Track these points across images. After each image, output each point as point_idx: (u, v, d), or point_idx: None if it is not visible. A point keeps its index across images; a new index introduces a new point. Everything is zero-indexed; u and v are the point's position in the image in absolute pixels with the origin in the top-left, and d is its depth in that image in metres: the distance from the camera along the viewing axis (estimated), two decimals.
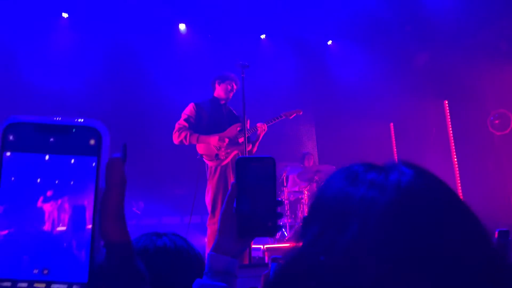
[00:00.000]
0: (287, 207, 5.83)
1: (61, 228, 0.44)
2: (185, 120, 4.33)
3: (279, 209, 0.95)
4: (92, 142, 0.44)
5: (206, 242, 4.34)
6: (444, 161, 7.24)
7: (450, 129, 7.29)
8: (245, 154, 3.88)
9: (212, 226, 4.10)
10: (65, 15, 6.87)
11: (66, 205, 0.44)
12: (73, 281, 0.42)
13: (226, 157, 4.24)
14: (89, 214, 0.44)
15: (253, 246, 4.43)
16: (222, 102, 4.47)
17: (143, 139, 6.59)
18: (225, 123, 4.36)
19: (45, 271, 0.42)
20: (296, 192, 6.04)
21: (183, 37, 7.66)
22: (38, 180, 0.43)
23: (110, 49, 6.82)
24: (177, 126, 4.33)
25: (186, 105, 4.44)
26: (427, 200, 0.53)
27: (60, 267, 0.43)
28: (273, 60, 8.00)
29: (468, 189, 6.81)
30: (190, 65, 7.34)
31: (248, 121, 4.45)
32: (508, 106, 6.18)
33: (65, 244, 0.43)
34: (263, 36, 8.16)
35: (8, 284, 0.42)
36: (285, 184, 6.02)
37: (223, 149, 4.25)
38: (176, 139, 4.30)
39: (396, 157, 8.01)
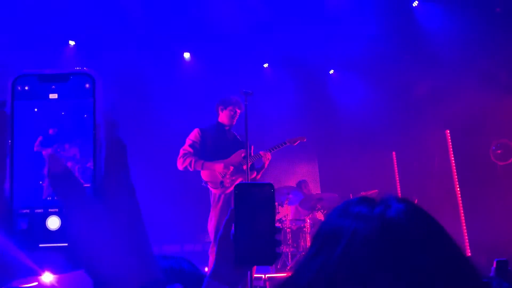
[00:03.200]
0: (289, 236, 5.78)
1: (69, 162, 0.50)
2: (190, 145, 4.33)
3: (277, 237, 0.93)
4: (87, 86, 0.51)
5: (207, 271, 4.28)
6: (447, 190, 7.21)
7: (453, 158, 7.29)
8: (249, 181, 3.88)
9: (214, 254, 4.06)
10: (72, 43, 7.01)
11: (67, 145, 0.50)
12: None
13: (231, 185, 4.22)
14: (88, 150, 0.50)
15: (254, 275, 4.37)
16: (227, 127, 4.49)
17: (148, 165, 6.60)
18: (229, 149, 4.36)
19: (56, 197, 0.49)
20: (298, 221, 6.00)
21: (188, 65, 7.78)
22: (44, 123, 0.50)
23: (116, 76, 6.91)
24: (181, 152, 4.31)
25: (191, 130, 4.46)
26: (409, 231, 0.59)
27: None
28: (276, 88, 8.10)
29: (472, 220, 6.76)
30: (194, 91, 7.43)
31: (252, 147, 4.47)
32: (510, 136, 6.19)
33: (71, 168, 0.49)
34: (266, 65, 8.28)
35: (27, 211, 0.49)
36: (278, 210, 5.97)
37: (228, 176, 4.24)
38: (180, 165, 4.28)
39: (398, 186, 8.00)
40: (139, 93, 7.23)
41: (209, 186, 4.31)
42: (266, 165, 4.37)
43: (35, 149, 0.49)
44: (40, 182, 0.49)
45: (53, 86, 0.51)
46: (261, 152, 4.36)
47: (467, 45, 6.35)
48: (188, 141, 4.36)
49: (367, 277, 0.55)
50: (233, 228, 0.93)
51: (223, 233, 0.96)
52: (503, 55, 6.22)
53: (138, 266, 0.49)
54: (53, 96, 0.51)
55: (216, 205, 4.24)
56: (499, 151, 6.22)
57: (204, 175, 4.29)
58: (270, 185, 0.94)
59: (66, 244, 0.48)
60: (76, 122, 0.50)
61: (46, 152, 0.49)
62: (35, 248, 0.47)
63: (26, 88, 0.50)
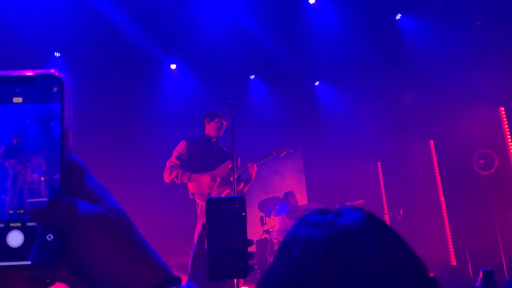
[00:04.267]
0: (276, 247, 5.77)
1: (34, 174, 0.46)
2: (177, 158, 4.32)
3: (250, 249, 0.94)
4: (55, 89, 0.47)
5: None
6: (432, 200, 7.29)
7: (437, 168, 7.39)
8: (235, 193, 3.88)
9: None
10: (57, 54, 6.96)
11: (32, 155, 0.46)
12: None
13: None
14: (55, 161, 0.46)
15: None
16: (214, 139, 4.49)
17: (134, 177, 6.56)
18: (216, 161, 4.37)
19: (20, 211, 0.45)
20: (285, 231, 5.99)
21: (174, 77, 7.78)
22: (7, 131, 0.46)
23: (101, 88, 6.89)
24: (168, 164, 4.30)
25: (178, 142, 4.45)
26: (359, 236, 0.62)
27: (34, 204, 0.45)
28: (262, 99, 8.13)
29: (456, 229, 6.84)
30: (181, 104, 7.43)
31: (239, 159, 4.48)
32: (492, 146, 6.30)
33: (38, 188, 0.46)
34: (252, 77, 8.33)
35: None
36: (264, 222, 5.97)
37: (215, 188, 4.24)
38: (167, 178, 4.27)
39: (384, 196, 8.07)
40: (125, 106, 7.20)
41: (196, 198, 4.30)
42: (253, 177, 4.39)
43: None
44: (3, 196, 0.45)
45: (18, 89, 0.46)
46: (248, 164, 4.37)
47: (450, 57, 6.47)
48: (175, 153, 4.36)
49: (321, 280, 0.58)
50: (206, 242, 0.94)
51: (196, 248, 0.97)
52: (485, 66, 6.36)
53: (139, 272, 0.48)
54: (17, 100, 0.46)
55: (203, 217, 4.22)
56: (481, 161, 6.31)
57: (191, 187, 4.28)
58: (241, 199, 0.96)
59: (29, 263, 0.43)
60: (42, 130, 0.46)
61: (9, 163, 0.46)
62: None
63: None
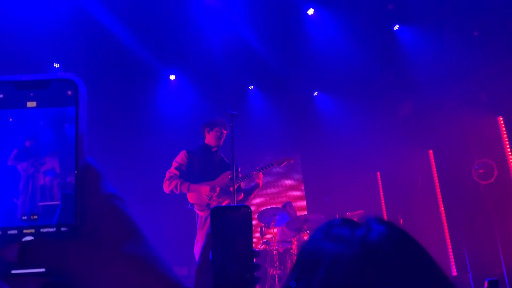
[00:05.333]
0: (276, 258, 5.74)
1: (47, 177, 0.45)
2: (176, 168, 4.31)
3: (256, 260, 0.92)
4: (69, 93, 0.47)
5: None
6: (431, 209, 7.28)
7: (436, 178, 7.38)
8: (235, 203, 3.87)
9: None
10: (56, 65, 6.98)
11: (45, 157, 0.46)
12: (61, 222, 0.44)
13: None
14: (69, 163, 0.46)
15: None
16: (214, 149, 4.49)
17: (134, 187, 6.54)
18: (216, 171, 4.36)
19: (34, 217, 0.44)
20: (285, 242, 5.96)
21: (173, 87, 7.80)
22: (20, 134, 0.45)
23: (101, 99, 6.90)
24: (168, 174, 4.29)
25: (178, 152, 4.45)
26: (391, 256, 0.58)
27: (48, 213, 0.44)
28: (261, 109, 8.15)
29: (456, 239, 6.81)
30: (181, 114, 7.45)
31: (240, 168, 4.47)
32: (491, 156, 6.31)
33: (51, 191, 0.45)
34: (251, 87, 8.35)
35: None
36: (264, 232, 5.95)
37: (214, 198, 4.22)
38: (166, 188, 4.25)
39: (383, 206, 8.05)
40: (124, 116, 7.21)
41: (195, 209, 4.28)
42: (261, 184, 4.39)
43: (8, 163, 0.45)
44: (15, 200, 0.44)
45: (32, 94, 0.46)
46: (253, 173, 4.36)
47: (448, 67, 6.51)
48: (175, 164, 4.35)
49: None
50: (210, 253, 0.91)
51: (201, 258, 0.95)
52: (483, 76, 6.39)
53: (151, 284, 0.47)
54: (31, 104, 0.46)
55: (203, 228, 4.21)
56: (481, 171, 6.31)
57: (191, 197, 4.26)
58: (247, 207, 0.93)
59: (44, 270, 0.42)
60: (56, 132, 0.46)
61: (21, 166, 0.45)
62: (7, 274, 0.42)
63: (1, 96, 0.46)
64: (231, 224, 0.91)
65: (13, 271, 0.42)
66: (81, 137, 0.46)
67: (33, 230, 0.44)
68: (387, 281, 0.55)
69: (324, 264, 0.58)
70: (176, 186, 4.20)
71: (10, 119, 0.46)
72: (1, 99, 0.46)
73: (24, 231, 0.44)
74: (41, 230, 0.44)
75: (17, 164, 0.45)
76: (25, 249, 0.42)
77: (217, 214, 0.92)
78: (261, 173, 4.36)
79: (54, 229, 0.44)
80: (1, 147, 0.45)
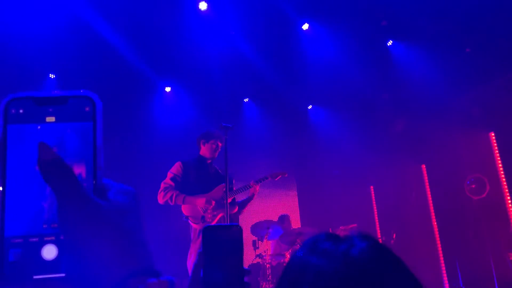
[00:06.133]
0: (269, 272, 5.71)
1: None
2: (171, 179, 4.29)
3: (246, 279, 0.92)
4: (87, 109, 0.49)
5: None
6: (424, 224, 7.30)
7: (429, 192, 7.42)
8: (228, 216, 3.87)
9: None
10: (52, 76, 6.99)
11: (74, 164, 0.47)
12: None
13: (213, 219, 4.20)
14: (88, 176, 0.48)
15: None
16: (209, 161, 4.50)
17: None
18: (211, 183, 4.35)
19: (54, 225, 0.46)
20: (278, 256, 5.94)
21: (169, 99, 7.83)
22: (48, 140, 0.47)
23: None
24: (162, 185, 4.28)
25: (172, 164, 4.45)
26: (370, 272, 0.60)
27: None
28: (256, 122, 8.18)
29: (449, 253, 6.83)
30: (176, 126, 7.46)
31: (234, 181, 4.48)
32: (483, 171, 6.36)
33: None
34: (246, 100, 8.39)
35: (20, 240, 0.45)
36: (257, 246, 5.94)
37: (209, 211, 4.21)
38: (161, 199, 4.23)
39: (377, 220, 8.06)
40: (119, 128, 7.20)
41: (189, 221, 4.27)
42: (255, 196, 4.40)
43: (36, 168, 0.46)
44: (43, 203, 0.46)
45: (50, 109, 0.48)
46: (251, 183, 4.37)
47: (441, 83, 6.59)
48: (170, 175, 4.33)
49: None
50: (201, 272, 0.92)
51: (192, 277, 0.95)
52: (475, 92, 6.48)
53: (118, 257, 0.47)
54: (50, 119, 0.48)
55: (196, 241, 4.18)
56: (473, 186, 6.36)
57: (185, 209, 4.25)
58: (238, 227, 0.94)
59: (64, 275, 0.44)
60: (75, 146, 0.48)
61: None
62: (29, 280, 0.44)
63: (21, 111, 0.48)
64: (222, 243, 0.92)
65: (35, 277, 0.44)
66: (99, 150, 0.49)
67: (53, 237, 0.46)
68: None
69: (308, 279, 0.60)
70: (171, 197, 4.18)
71: (39, 127, 0.48)
72: (22, 114, 0.48)
73: (45, 238, 0.45)
74: (61, 237, 0.46)
75: None
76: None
77: (208, 233, 0.93)
78: (258, 185, 4.37)
79: None
80: (29, 153, 0.47)
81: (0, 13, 5.65)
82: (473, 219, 6.36)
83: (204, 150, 4.48)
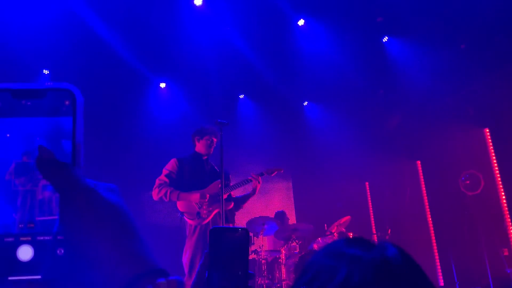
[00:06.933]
0: (264, 267, 5.72)
1: (46, 191, 0.45)
2: (166, 175, 4.29)
3: (251, 283, 0.92)
4: (66, 103, 0.46)
5: None
6: (419, 220, 7.33)
7: (424, 188, 7.45)
8: (223, 212, 3.86)
9: None
10: (46, 72, 6.95)
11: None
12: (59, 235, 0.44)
13: (208, 216, 4.19)
14: None
15: None
16: (204, 157, 4.48)
17: (123, 195, 6.49)
18: (207, 180, 4.34)
19: (30, 225, 0.44)
20: (274, 252, 5.95)
21: (164, 95, 7.80)
22: (18, 147, 0.45)
23: (91, 107, 6.85)
24: (157, 182, 4.27)
25: (167, 161, 4.44)
26: (402, 276, 0.63)
27: (45, 221, 0.44)
28: (251, 118, 8.18)
29: (443, 249, 6.86)
30: (170, 122, 7.44)
31: (230, 176, 4.48)
32: (478, 167, 6.39)
33: (49, 206, 0.45)
34: (241, 96, 8.38)
35: None
36: (252, 242, 5.95)
37: (205, 206, 4.20)
38: (155, 196, 4.22)
39: (372, 216, 8.08)
40: (114, 124, 7.18)
41: (185, 217, 4.26)
42: (257, 191, 4.39)
43: (6, 177, 0.44)
44: (13, 215, 0.44)
45: (29, 103, 0.45)
46: (253, 175, 4.34)
47: (436, 79, 6.60)
48: (165, 171, 4.33)
49: None
50: (206, 272, 0.92)
51: (197, 278, 0.95)
52: (470, 88, 6.49)
53: (124, 256, 0.46)
54: (28, 114, 0.45)
55: (191, 237, 4.18)
56: (468, 182, 6.38)
57: (180, 205, 4.24)
58: (245, 230, 0.94)
59: (39, 277, 0.43)
60: (53, 145, 0.45)
61: (19, 181, 0.44)
62: (3, 281, 0.42)
63: None
64: (228, 245, 0.92)
65: (10, 278, 0.42)
66: (78, 147, 0.46)
67: (29, 238, 0.44)
68: None
69: (337, 278, 0.61)
70: (165, 194, 4.18)
71: (8, 135, 0.45)
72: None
73: (21, 238, 0.43)
74: (38, 238, 0.44)
75: (15, 178, 0.45)
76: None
77: (215, 234, 0.93)
78: (260, 179, 4.34)
79: (51, 237, 0.44)
80: (5, 147, 0.44)
81: None
82: (467, 215, 6.39)
83: (199, 147, 4.47)
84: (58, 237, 0.44)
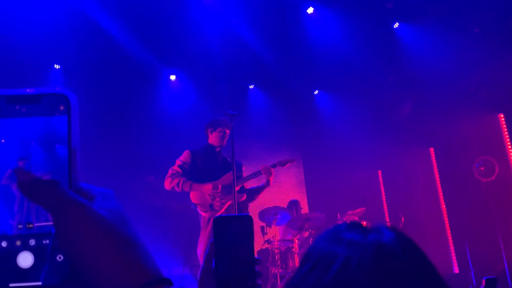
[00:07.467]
0: (277, 257, 5.74)
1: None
2: (179, 166, 4.30)
3: (258, 268, 0.95)
4: (61, 107, 0.46)
5: None
6: (433, 207, 7.28)
7: (437, 176, 7.38)
8: (236, 204, 3.86)
9: None
10: (57, 66, 7.00)
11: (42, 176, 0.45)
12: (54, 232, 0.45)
13: (221, 207, 4.20)
14: (65, 180, 0.46)
15: None
16: (217, 149, 4.49)
17: (138, 188, 6.55)
18: (219, 171, 4.35)
19: (29, 226, 0.45)
20: (287, 241, 5.96)
21: (174, 88, 7.82)
22: (13, 153, 0.45)
23: (102, 100, 6.90)
24: (170, 171, 4.29)
25: (178, 153, 4.45)
26: (401, 259, 0.63)
27: (42, 227, 0.45)
28: (261, 109, 8.16)
29: (458, 236, 6.81)
30: (181, 114, 7.46)
31: (243, 168, 4.48)
32: (492, 153, 6.31)
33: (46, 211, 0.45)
34: (251, 86, 8.36)
35: None
36: (265, 231, 5.97)
37: (217, 198, 4.21)
38: (167, 185, 4.24)
39: (385, 204, 8.05)
40: (125, 117, 7.22)
41: (198, 209, 4.28)
42: (271, 182, 4.38)
43: (2, 182, 0.45)
44: (10, 221, 0.44)
45: (23, 109, 0.45)
46: (261, 169, 4.33)
47: (448, 65, 6.50)
48: (178, 162, 4.35)
49: None
50: (213, 261, 0.94)
51: (204, 266, 0.98)
52: (483, 73, 6.39)
53: (125, 270, 0.46)
54: (23, 119, 0.45)
55: (205, 229, 4.20)
56: (482, 168, 6.31)
57: (193, 197, 4.25)
58: (249, 217, 0.96)
59: (40, 283, 0.43)
60: (49, 150, 0.45)
61: (15, 186, 0.44)
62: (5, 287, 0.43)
63: None
64: (233, 233, 0.94)
65: (11, 285, 0.43)
66: (73, 152, 0.46)
67: (27, 244, 0.44)
68: (397, 283, 0.60)
69: (336, 263, 0.62)
70: (178, 183, 4.19)
71: (3, 140, 0.45)
72: None
73: (18, 243, 0.44)
74: (36, 244, 0.45)
75: (11, 183, 0.45)
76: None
77: (219, 223, 0.95)
78: (272, 171, 4.33)
79: (49, 242, 0.45)
80: (1, 152, 0.45)
81: (5, 5, 5.63)
82: (481, 202, 6.33)
83: (212, 139, 4.48)
84: (56, 244, 0.45)
